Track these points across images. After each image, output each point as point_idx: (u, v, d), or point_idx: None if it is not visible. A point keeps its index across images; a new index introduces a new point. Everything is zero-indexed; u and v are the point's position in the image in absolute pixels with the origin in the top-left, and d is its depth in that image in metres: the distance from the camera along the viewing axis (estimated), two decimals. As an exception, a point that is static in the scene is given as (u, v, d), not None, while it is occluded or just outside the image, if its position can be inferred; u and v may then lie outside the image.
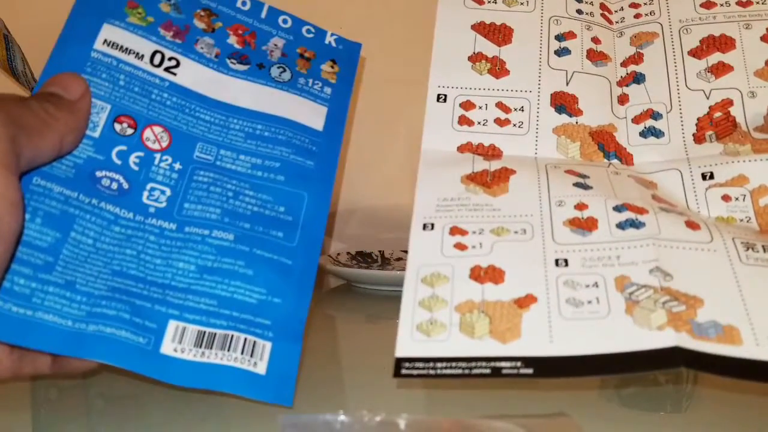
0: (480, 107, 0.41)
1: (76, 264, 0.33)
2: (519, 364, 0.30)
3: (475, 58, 0.43)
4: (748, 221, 0.36)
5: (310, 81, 0.43)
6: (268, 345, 0.35)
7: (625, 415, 0.35)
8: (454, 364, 0.30)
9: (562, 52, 0.43)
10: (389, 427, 0.29)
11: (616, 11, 0.46)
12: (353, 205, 0.81)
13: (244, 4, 0.43)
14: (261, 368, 0.34)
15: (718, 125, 0.39)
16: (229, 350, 0.34)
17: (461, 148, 0.40)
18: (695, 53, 0.42)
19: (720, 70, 0.41)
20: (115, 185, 0.36)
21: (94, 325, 0.32)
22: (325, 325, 0.55)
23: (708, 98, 0.40)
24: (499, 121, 0.41)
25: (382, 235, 0.78)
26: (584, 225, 0.35)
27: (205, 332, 0.34)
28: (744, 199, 0.37)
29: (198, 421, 0.34)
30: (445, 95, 0.41)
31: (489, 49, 0.43)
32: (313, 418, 0.29)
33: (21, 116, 0.31)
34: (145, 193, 0.36)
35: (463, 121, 0.40)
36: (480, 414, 0.33)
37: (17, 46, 0.60)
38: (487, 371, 0.30)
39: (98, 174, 0.35)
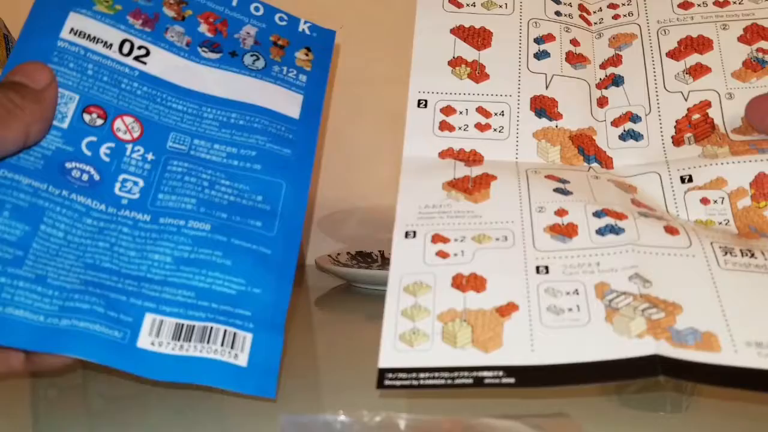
0: (461, 112, 0.40)
1: (47, 258, 0.32)
2: (501, 373, 0.29)
3: (455, 62, 0.42)
4: (726, 224, 0.36)
5: (285, 69, 0.43)
6: (249, 336, 0.34)
7: (625, 415, 0.34)
8: (436, 375, 0.29)
9: (541, 55, 0.43)
10: (389, 427, 0.29)
11: (594, 12, 0.46)
12: (353, 205, 0.80)
13: None
14: (242, 360, 0.33)
15: (696, 127, 0.39)
16: (208, 342, 0.33)
17: (442, 154, 0.39)
18: (673, 55, 0.42)
19: (698, 71, 0.41)
20: (86, 177, 0.35)
21: (67, 320, 0.31)
22: (325, 325, 0.55)
23: (686, 100, 0.40)
24: (479, 126, 0.40)
25: (381, 235, 0.78)
26: (564, 231, 0.34)
27: (183, 325, 0.33)
28: (722, 202, 0.36)
29: (198, 421, 0.33)
30: (426, 101, 0.41)
31: (468, 53, 0.42)
32: (313, 418, 0.29)
33: None
34: (117, 185, 0.35)
35: (444, 126, 0.40)
36: (480, 414, 0.33)
37: None
38: (470, 381, 0.29)
39: (68, 165, 0.34)
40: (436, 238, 0.35)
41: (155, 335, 0.32)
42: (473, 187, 0.37)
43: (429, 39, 0.43)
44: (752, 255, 0.33)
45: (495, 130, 0.40)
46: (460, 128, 0.40)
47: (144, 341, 0.32)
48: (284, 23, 0.44)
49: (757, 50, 0.41)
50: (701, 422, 0.34)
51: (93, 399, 0.36)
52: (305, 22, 0.45)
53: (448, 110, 0.40)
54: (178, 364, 0.32)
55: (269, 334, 0.34)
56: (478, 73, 0.42)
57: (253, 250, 0.36)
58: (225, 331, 0.34)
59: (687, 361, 0.29)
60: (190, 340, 0.33)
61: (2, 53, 0.54)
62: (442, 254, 0.34)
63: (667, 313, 0.30)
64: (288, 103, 0.42)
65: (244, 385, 0.33)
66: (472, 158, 0.39)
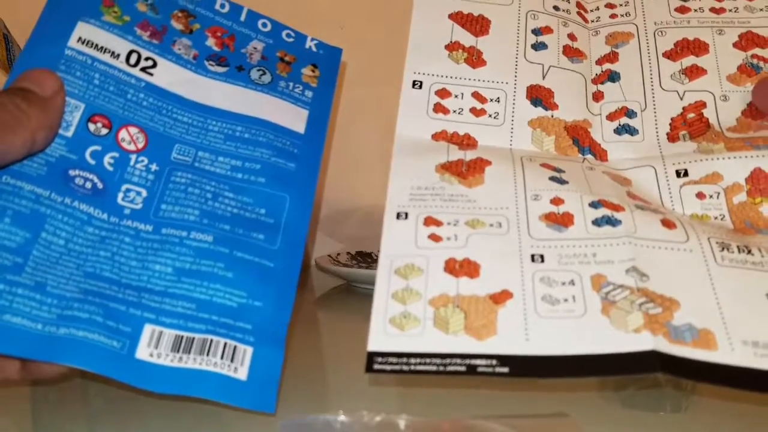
0: (456, 96, 0.40)
1: (46, 265, 0.31)
2: (494, 362, 0.29)
3: (452, 46, 0.42)
4: (722, 219, 0.35)
5: (291, 84, 0.43)
6: (249, 350, 0.33)
7: (625, 415, 0.34)
8: (428, 360, 0.29)
9: (538, 46, 0.42)
10: (389, 427, 0.29)
11: (591, 10, 0.46)
12: (353, 205, 0.79)
13: (222, 6, 0.42)
14: (242, 374, 0.32)
15: (691, 125, 0.39)
16: (208, 355, 0.32)
17: (436, 136, 0.39)
18: (670, 55, 0.42)
19: (694, 72, 0.41)
20: (89, 185, 0.34)
21: (66, 328, 0.30)
22: (324, 325, 0.54)
23: (682, 99, 0.40)
24: (474, 111, 0.40)
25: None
26: (560, 220, 0.34)
27: (182, 336, 0.32)
28: (718, 197, 0.36)
29: (197, 421, 0.32)
30: (421, 82, 0.40)
31: (466, 38, 0.42)
32: (313, 419, 0.29)
33: None
34: (120, 195, 0.35)
35: (439, 108, 0.39)
36: (480, 414, 0.32)
37: (17, 46, 0.58)
38: (462, 369, 0.28)
39: (71, 173, 0.34)
40: (429, 221, 0.34)
41: (154, 346, 0.32)
42: (467, 171, 0.36)
43: (426, 22, 0.42)
44: (749, 251, 0.32)
45: (490, 115, 0.40)
46: (454, 111, 0.39)
47: (143, 352, 0.31)
48: (291, 40, 0.44)
49: (752, 56, 0.41)
50: (701, 422, 0.33)
51: (93, 399, 0.35)
52: (312, 40, 0.45)
53: (443, 93, 0.40)
54: (177, 376, 0.31)
55: (270, 348, 0.34)
56: (475, 59, 0.41)
57: (255, 262, 0.36)
58: (225, 343, 0.33)
59: (684, 358, 0.28)
60: (189, 352, 0.32)
61: (2, 53, 0.54)
62: (435, 237, 0.33)
63: (665, 308, 0.30)
64: (293, 117, 0.41)
65: (243, 399, 0.32)
66: (466, 142, 0.38)
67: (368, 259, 0.72)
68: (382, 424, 0.29)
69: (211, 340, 0.33)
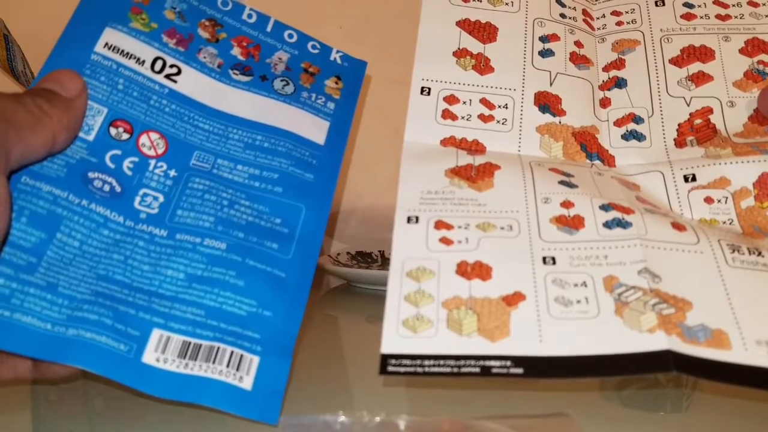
0: (464, 102, 0.39)
1: (60, 266, 0.30)
2: (509, 363, 0.27)
3: (460, 53, 0.40)
4: (730, 223, 0.34)
5: (314, 95, 0.41)
6: (256, 359, 0.31)
7: (625, 415, 0.32)
8: (442, 362, 0.27)
9: (545, 53, 0.41)
10: (389, 427, 0.28)
11: (598, 18, 0.45)
12: (353, 205, 0.78)
13: (250, 16, 0.42)
14: (247, 383, 0.30)
15: (698, 131, 0.37)
16: (214, 362, 0.30)
17: (444, 142, 0.37)
18: (676, 62, 0.40)
19: (700, 79, 0.39)
20: (107, 187, 0.33)
21: (74, 330, 0.28)
22: (325, 325, 0.53)
23: (689, 105, 0.39)
24: (482, 117, 0.38)
25: (382, 235, 0.74)
26: (571, 223, 0.32)
27: (190, 343, 0.30)
28: (726, 201, 0.35)
29: (197, 421, 0.31)
30: (429, 88, 0.39)
31: (474, 45, 0.41)
32: (313, 419, 0.28)
33: (12, 112, 0.28)
34: (138, 199, 0.33)
35: (447, 114, 0.38)
36: (480, 414, 0.31)
37: (17, 46, 0.56)
38: (477, 370, 0.27)
39: (90, 175, 0.32)
40: (440, 225, 0.32)
41: (161, 351, 0.30)
42: (476, 175, 0.35)
43: (434, 29, 0.41)
44: (759, 254, 0.31)
45: (498, 121, 0.38)
46: (463, 117, 0.38)
47: (149, 357, 0.30)
48: (316, 51, 0.44)
49: (758, 62, 0.39)
50: (701, 422, 0.32)
51: (93, 399, 0.33)
52: (337, 52, 0.44)
53: (451, 99, 0.38)
54: (182, 383, 0.29)
55: (277, 359, 0.32)
56: (482, 66, 0.40)
57: (267, 272, 0.34)
58: (232, 352, 0.31)
59: (698, 358, 0.27)
60: (195, 359, 0.30)
61: (2, 53, 0.54)
62: (446, 241, 0.32)
63: (677, 309, 0.29)
64: (314, 128, 0.40)
65: (246, 409, 0.30)
66: (475, 148, 0.37)
67: (368, 259, 0.70)
68: (381, 424, 0.27)
69: (218, 348, 0.31)
